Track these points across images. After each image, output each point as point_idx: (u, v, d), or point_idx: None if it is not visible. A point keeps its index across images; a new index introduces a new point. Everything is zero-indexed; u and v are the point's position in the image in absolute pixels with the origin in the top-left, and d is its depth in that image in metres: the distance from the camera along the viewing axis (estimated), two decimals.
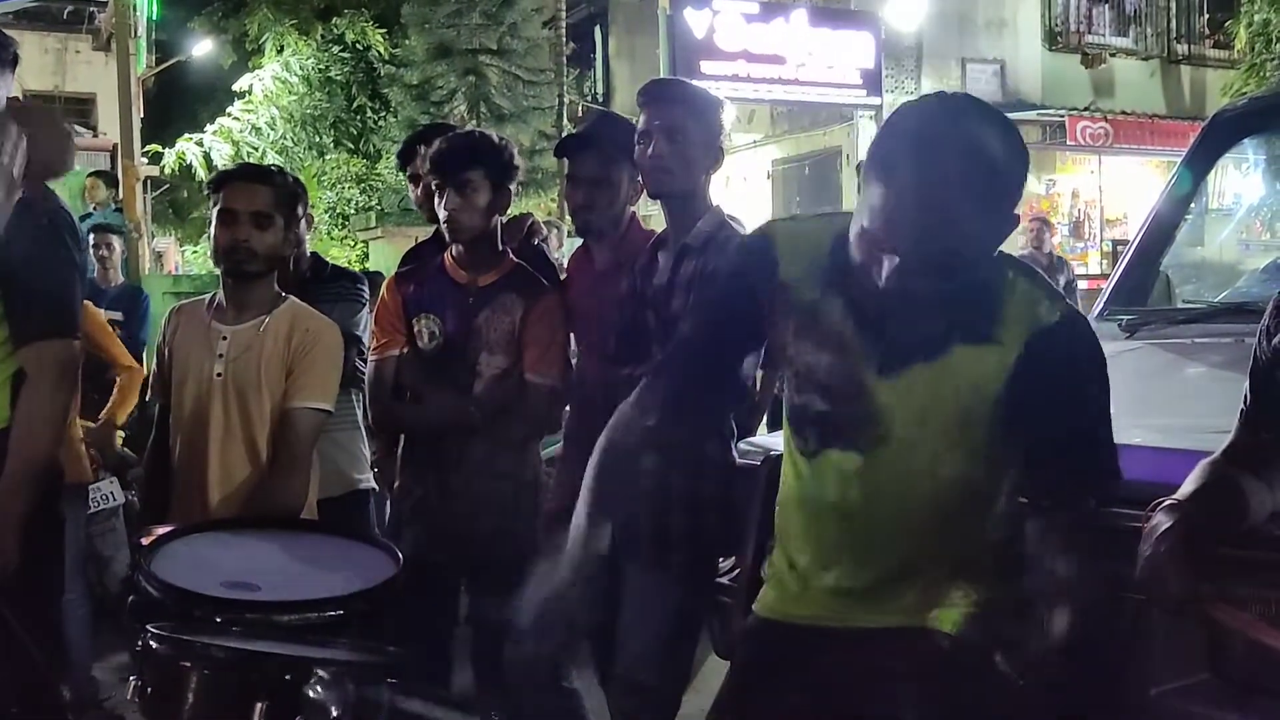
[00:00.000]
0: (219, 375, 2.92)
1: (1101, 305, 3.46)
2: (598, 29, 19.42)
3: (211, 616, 2.17)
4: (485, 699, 2.86)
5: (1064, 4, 17.82)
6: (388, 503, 3.76)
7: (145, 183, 13.90)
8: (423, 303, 3.33)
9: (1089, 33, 18.17)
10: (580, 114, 15.20)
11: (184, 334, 3.04)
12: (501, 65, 15.29)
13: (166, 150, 15.94)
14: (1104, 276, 10.69)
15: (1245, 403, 1.85)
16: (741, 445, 3.00)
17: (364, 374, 3.46)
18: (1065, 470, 1.82)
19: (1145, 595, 1.75)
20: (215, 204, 2.96)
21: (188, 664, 1.96)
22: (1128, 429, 2.49)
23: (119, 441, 5.08)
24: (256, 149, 16.17)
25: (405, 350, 3.34)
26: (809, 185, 17.03)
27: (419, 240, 4.01)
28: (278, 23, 17.11)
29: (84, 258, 2.88)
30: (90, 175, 10.04)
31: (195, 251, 17.74)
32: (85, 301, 4.48)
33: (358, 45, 17.08)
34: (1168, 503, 1.75)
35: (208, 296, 3.11)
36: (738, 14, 14.40)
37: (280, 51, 17.15)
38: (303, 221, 3.44)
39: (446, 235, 3.29)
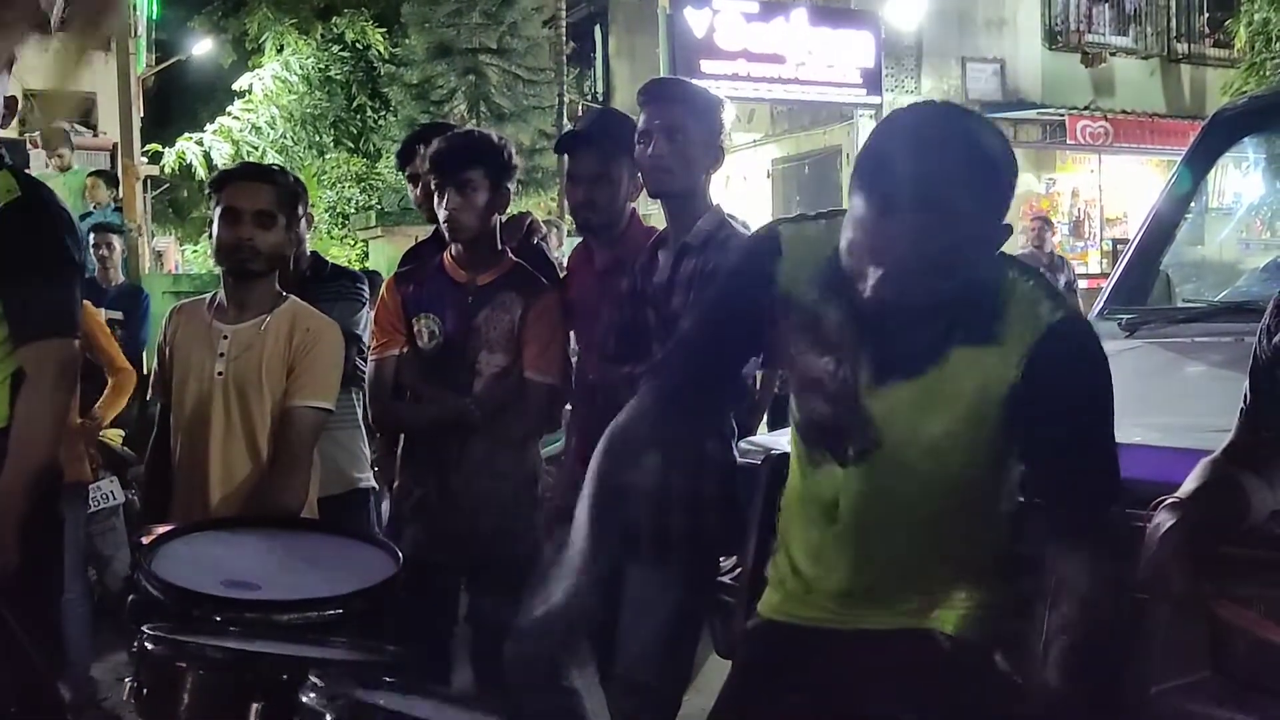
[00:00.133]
0: (220, 374, 2.92)
1: (1102, 304, 3.46)
2: (598, 28, 19.42)
3: (211, 615, 2.17)
4: (485, 698, 2.85)
5: (1064, 3, 17.82)
6: (384, 502, 3.76)
7: (145, 182, 13.90)
8: (422, 302, 3.33)
9: (1089, 32, 18.17)
10: (580, 113, 15.17)
11: (185, 333, 3.04)
12: (501, 64, 15.29)
13: (166, 150, 15.94)
14: (1104, 275, 10.69)
15: (1245, 401, 1.85)
16: (742, 444, 3.00)
17: (364, 373, 3.46)
18: (1070, 472, 1.81)
19: (1149, 593, 1.75)
20: (217, 203, 2.96)
21: (183, 664, 1.96)
22: (1128, 428, 2.49)
23: (118, 440, 5.08)
24: (256, 148, 16.17)
25: (405, 350, 3.34)
26: (809, 184, 17.02)
27: (419, 240, 4.01)
28: (277, 22, 17.11)
29: (83, 257, 2.88)
30: (91, 175, 10.04)
31: (195, 251, 17.74)
32: (83, 301, 4.50)
33: (358, 44, 17.08)
34: (1170, 501, 1.75)
35: (208, 296, 3.11)
36: (737, 13, 14.39)
37: (280, 51, 17.15)
38: (303, 221, 3.45)
39: (446, 234, 3.29)
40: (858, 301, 1.77)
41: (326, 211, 16.36)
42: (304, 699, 1.75)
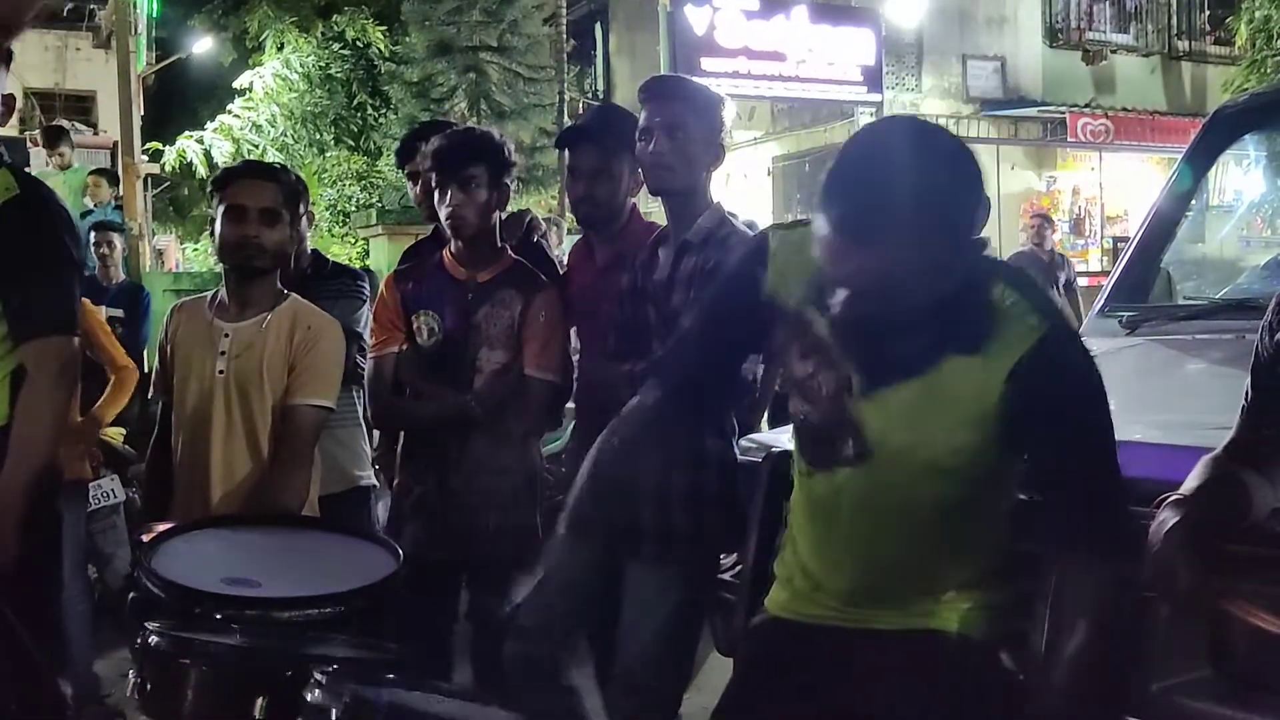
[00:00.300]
0: (221, 372, 2.93)
1: (1102, 302, 3.45)
2: (598, 26, 19.40)
3: (212, 613, 2.17)
4: (486, 694, 2.85)
5: (1065, 0, 17.81)
6: (384, 500, 3.77)
7: (146, 180, 13.88)
8: (422, 299, 3.33)
9: (1090, 29, 18.16)
10: (581, 111, 15.17)
11: (186, 331, 3.04)
12: (502, 62, 15.25)
13: (167, 148, 15.92)
14: (1105, 273, 10.68)
15: (1246, 399, 1.85)
16: (743, 442, 3.00)
17: (365, 371, 3.47)
18: (1070, 480, 1.83)
19: (1153, 590, 1.75)
20: (220, 201, 2.96)
21: (187, 660, 1.96)
22: (1129, 425, 2.49)
23: (119, 438, 5.08)
24: (257, 146, 16.13)
25: (404, 347, 3.34)
26: (809, 182, 17.00)
27: (419, 238, 4.01)
28: (278, 20, 17.08)
29: (82, 255, 2.88)
30: (92, 173, 10.04)
31: (196, 249, 17.73)
32: (83, 300, 4.50)
33: (358, 42, 17.04)
34: (1173, 498, 1.75)
35: (209, 294, 3.11)
36: (738, 10, 14.38)
37: (280, 49, 17.11)
38: (304, 219, 3.45)
39: (448, 232, 3.29)
40: (839, 311, 1.78)
41: (327, 209, 16.33)
42: (308, 696, 1.75)
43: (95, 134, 15.82)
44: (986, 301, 1.81)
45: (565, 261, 3.79)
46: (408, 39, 16.06)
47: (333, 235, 16.07)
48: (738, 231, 2.97)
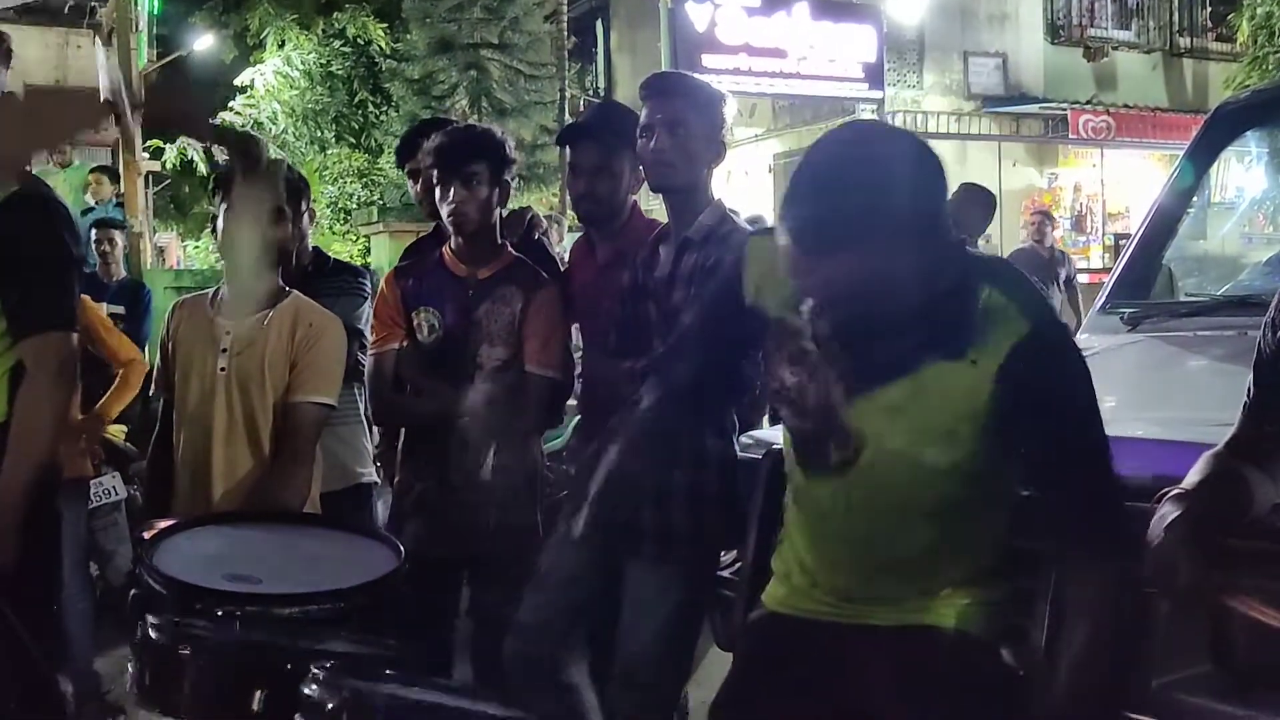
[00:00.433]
0: (222, 370, 2.93)
1: (1104, 299, 3.45)
2: (599, 23, 19.38)
3: (213, 609, 2.17)
4: (485, 692, 2.86)
5: None
6: (384, 497, 3.77)
7: (147, 178, 13.88)
8: (422, 296, 3.33)
9: (1091, 26, 18.14)
10: (582, 108, 15.16)
11: (187, 328, 3.05)
12: (503, 60, 15.25)
13: (168, 145, 15.92)
14: (1106, 270, 10.68)
15: (1249, 395, 1.85)
16: (743, 439, 3.00)
17: (366, 368, 3.46)
18: (1061, 478, 1.83)
19: (1154, 585, 1.75)
20: (222, 199, 2.96)
21: (186, 652, 1.96)
22: (1131, 422, 2.50)
23: (121, 436, 5.08)
24: None
25: (405, 344, 3.34)
26: None
27: (420, 235, 4.01)
28: (279, 17, 17.07)
29: (81, 252, 2.87)
30: (93, 170, 10.04)
31: (197, 247, 17.73)
32: (83, 296, 4.50)
33: (359, 40, 17.04)
34: (1174, 493, 1.75)
35: (210, 291, 3.11)
36: (739, 7, 14.37)
37: (281, 46, 17.11)
38: (306, 216, 3.45)
39: (450, 229, 3.29)
40: (811, 319, 1.79)
41: (328, 207, 16.33)
42: (307, 691, 1.75)
43: (96, 131, 15.79)
44: (971, 302, 1.80)
45: (566, 259, 3.79)
46: (409, 36, 16.06)
47: (334, 233, 16.07)
48: (739, 229, 2.97)
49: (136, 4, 12.48)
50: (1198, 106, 16.87)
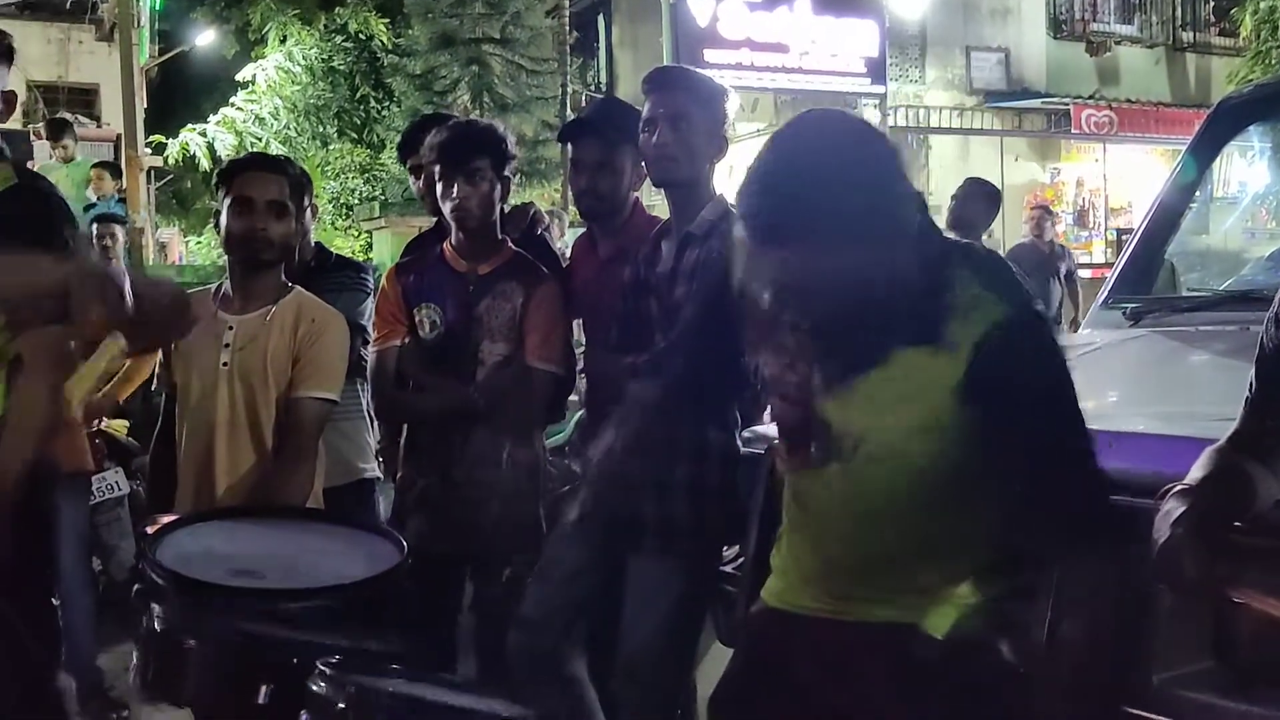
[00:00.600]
0: (225, 365, 2.93)
1: (1106, 293, 3.45)
2: (601, 18, 19.37)
3: (218, 604, 2.18)
4: (489, 685, 2.86)
5: None
6: (383, 493, 3.77)
7: (149, 173, 13.90)
8: (423, 293, 3.33)
9: (1094, 20, 18.14)
10: (583, 103, 15.16)
11: None
12: (505, 55, 15.26)
13: (170, 141, 15.93)
14: (1108, 266, 10.68)
15: (1251, 390, 1.84)
16: (744, 434, 3.00)
17: (368, 364, 3.47)
18: (1039, 469, 1.79)
19: (1159, 580, 1.74)
20: (227, 193, 2.96)
21: (191, 645, 1.97)
22: (1133, 416, 2.50)
23: (123, 431, 5.09)
24: (260, 139, 16.13)
25: (407, 340, 3.34)
26: None
27: (422, 230, 4.01)
28: (280, 13, 17.08)
29: (79, 246, 2.87)
30: (95, 166, 10.03)
31: (199, 242, 17.75)
32: None
33: (361, 35, 17.05)
34: (1178, 488, 1.73)
35: (213, 286, 3.11)
36: (741, 2, 14.37)
37: (283, 41, 17.13)
38: (308, 211, 3.45)
39: (453, 224, 3.29)
40: (776, 309, 1.79)
41: (330, 203, 16.34)
42: (313, 686, 1.76)
43: (98, 127, 15.82)
44: (944, 290, 1.78)
45: (568, 255, 3.79)
46: (410, 31, 16.07)
47: (336, 228, 16.09)
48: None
49: (138, 0, 12.47)
50: (1200, 101, 16.87)
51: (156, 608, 2.03)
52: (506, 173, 3.30)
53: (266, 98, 16.75)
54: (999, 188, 6.42)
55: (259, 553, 2.44)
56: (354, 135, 17.54)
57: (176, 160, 16.11)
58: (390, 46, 16.74)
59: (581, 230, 3.59)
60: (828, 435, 1.89)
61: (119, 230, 6.69)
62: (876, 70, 15.51)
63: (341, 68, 17.39)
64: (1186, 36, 18.85)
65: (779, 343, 1.90)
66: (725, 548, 3.01)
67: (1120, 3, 18.37)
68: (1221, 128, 3.66)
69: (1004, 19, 17.85)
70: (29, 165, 9.87)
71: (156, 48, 15.54)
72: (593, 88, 18.05)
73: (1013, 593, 1.90)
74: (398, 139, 4.16)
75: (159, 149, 15.61)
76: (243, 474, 2.90)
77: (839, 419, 1.87)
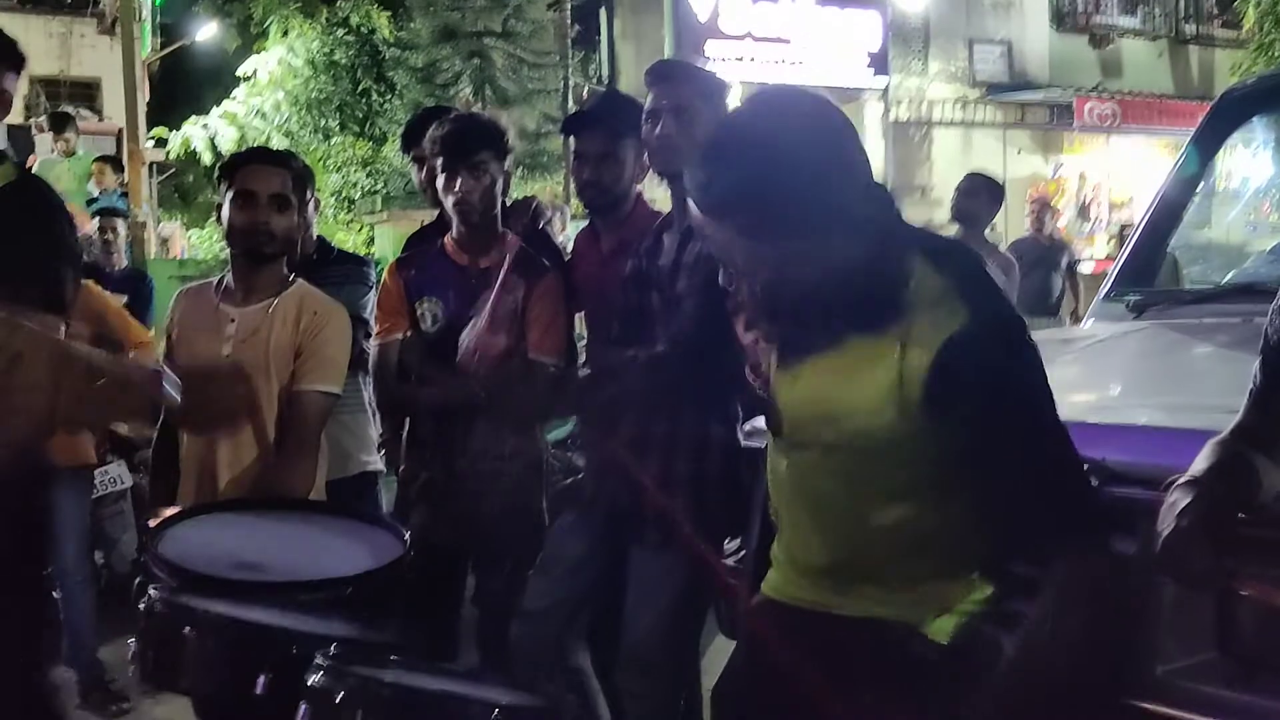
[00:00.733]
0: (227, 357, 2.93)
1: (1109, 286, 3.45)
2: (603, 11, 19.33)
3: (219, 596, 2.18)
4: (491, 676, 2.86)
5: None
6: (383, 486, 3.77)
7: (151, 167, 13.88)
8: (424, 286, 3.33)
9: (1096, 13, 18.12)
10: (585, 96, 15.15)
11: (191, 316, 3.05)
12: (506, 48, 15.24)
13: (172, 134, 15.92)
14: (1111, 259, 10.66)
15: (1255, 382, 1.83)
16: (746, 427, 3.00)
17: (370, 357, 3.47)
18: (1016, 471, 1.73)
19: (1164, 572, 1.73)
20: (229, 187, 2.95)
21: (190, 633, 1.97)
22: (1136, 408, 2.49)
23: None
24: (262, 133, 16.11)
25: (408, 333, 3.34)
26: None
27: (424, 224, 4.01)
28: (282, 6, 17.04)
29: (76, 242, 2.87)
30: (97, 160, 10.02)
31: (201, 236, 17.75)
32: (89, 282, 4.50)
33: (362, 29, 17.02)
34: (1183, 479, 1.72)
35: (215, 279, 3.11)
36: None
37: (285, 35, 17.09)
38: (310, 205, 3.45)
39: (457, 217, 3.29)
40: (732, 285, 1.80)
41: (332, 196, 16.31)
42: (313, 677, 1.75)
43: (100, 121, 15.79)
44: (901, 281, 1.74)
45: (570, 248, 3.79)
46: (412, 24, 16.04)
47: (338, 222, 16.06)
48: None
49: None
50: (1203, 94, 16.85)
51: (156, 597, 2.03)
52: (508, 166, 3.30)
53: (268, 91, 16.72)
54: (1001, 181, 6.40)
55: (262, 545, 2.44)
56: (356, 129, 17.50)
57: (178, 154, 16.10)
58: (392, 40, 16.71)
59: (584, 224, 3.58)
60: (776, 412, 1.88)
61: (120, 224, 6.68)
62: (879, 63, 15.50)
63: (343, 61, 17.35)
64: (1189, 29, 18.83)
65: (749, 324, 1.90)
66: (727, 541, 3.01)
67: None
68: (1224, 120, 3.65)
69: (1006, 11, 17.82)
70: (31, 158, 9.90)
71: (158, 41, 15.53)
72: (594, 81, 18.02)
73: (996, 595, 1.86)
74: (400, 132, 4.15)
75: (161, 143, 15.60)
76: (245, 467, 2.90)
77: (789, 399, 1.87)
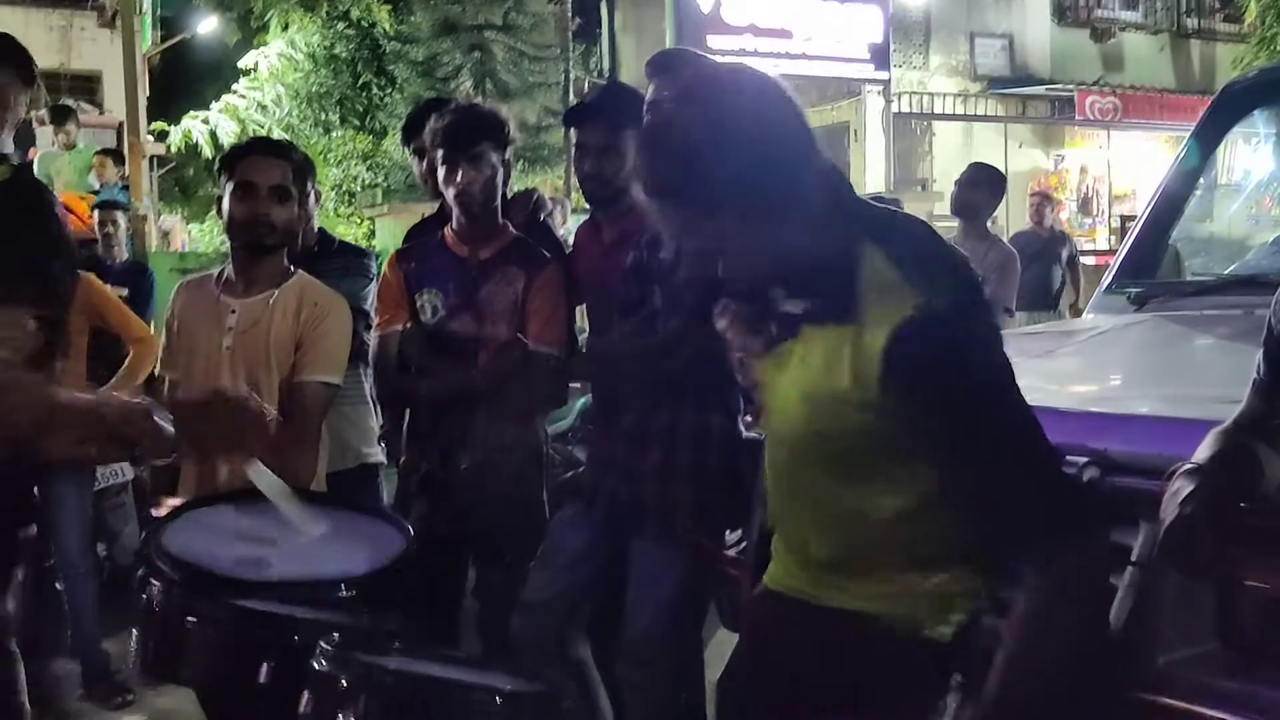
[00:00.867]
0: (228, 348, 2.93)
1: (1110, 278, 3.45)
2: (603, 4, 19.33)
3: (223, 595, 2.17)
4: (493, 663, 2.87)
5: None
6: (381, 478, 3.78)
7: (151, 160, 13.87)
8: (424, 278, 3.33)
9: (1098, 7, 18.09)
10: (586, 90, 15.14)
11: (192, 308, 3.05)
12: (507, 41, 15.23)
13: (172, 128, 15.91)
14: (1112, 252, 10.66)
15: (1259, 372, 1.83)
16: (747, 418, 3.01)
17: (370, 349, 3.47)
18: (985, 461, 1.67)
19: (1167, 561, 1.73)
20: (229, 178, 2.95)
21: (192, 623, 1.96)
22: (1137, 399, 2.50)
23: None
24: (262, 126, 16.09)
25: (409, 325, 3.34)
26: None
27: (425, 216, 4.01)
28: (283, 0, 17.05)
29: (69, 237, 2.88)
30: (99, 153, 10.03)
31: (202, 230, 17.74)
32: (90, 275, 4.51)
33: (363, 22, 17.00)
34: (1186, 468, 1.72)
35: (216, 270, 3.11)
36: None
37: (285, 29, 17.08)
38: (311, 196, 3.45)
39: (458, 209, 3.29)
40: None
41: (332, 189, 16.30)
42: (316, 665, 1.75)
43: (101, 114, 15.79)
44: (850, 261, 1.69)
45: (570, 241, 3.79)
46: (413, 18, 16.03)
47: (339, 215, 16.06)
48: None
49: None
50: (1205, 88, 16.84)
51: (157, 587, 2.03)
52: (508, 157, 3.30)
53: (269, 85, 16.71)
54: (1003, 173, 6.39)
55: (264, 537, 2.43)
56: (356, 122, 17.49)
57: (179, 147, 16.09)
58: (393, 33, 16.69)
59: (584, 217, 3.58)
60: (754, 399, 1.88)
61: (120, 217, 6.68)
62: (880, 56, 15.49)
63: (344, 55, 17.33)
64: (1191, 23, 18.80)
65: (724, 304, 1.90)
66: (728, 532, 3.02)
67: None
68: (1226, 113, 3.65)
69: (1008, 5, 17.80)
70: (31, 151, 9.89)
71: (159, 34, 15.50)
72: (595, 74, 18.00)
73: (991, 587, 1.81)
74: (400, 126, 4.15)
75: (161, 136, 15.59)
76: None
77: (769, 388, 1.85)
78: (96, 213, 6.59)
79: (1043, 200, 9.00)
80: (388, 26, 16.70)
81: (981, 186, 6.00)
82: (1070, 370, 2.94)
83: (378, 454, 3.75)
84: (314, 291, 3.01)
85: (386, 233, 13.27)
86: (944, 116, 17.13)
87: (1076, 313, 7.58)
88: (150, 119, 13.72)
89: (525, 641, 3.05)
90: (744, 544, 2.91)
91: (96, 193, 9.01)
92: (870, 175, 15.90)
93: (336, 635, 1.84)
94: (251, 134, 14.99)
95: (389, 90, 16.92)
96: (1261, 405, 1.80)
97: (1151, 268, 3.48)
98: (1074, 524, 1.68)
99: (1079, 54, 17.88)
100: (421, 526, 2.92)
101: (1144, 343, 2.99)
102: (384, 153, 16.51)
